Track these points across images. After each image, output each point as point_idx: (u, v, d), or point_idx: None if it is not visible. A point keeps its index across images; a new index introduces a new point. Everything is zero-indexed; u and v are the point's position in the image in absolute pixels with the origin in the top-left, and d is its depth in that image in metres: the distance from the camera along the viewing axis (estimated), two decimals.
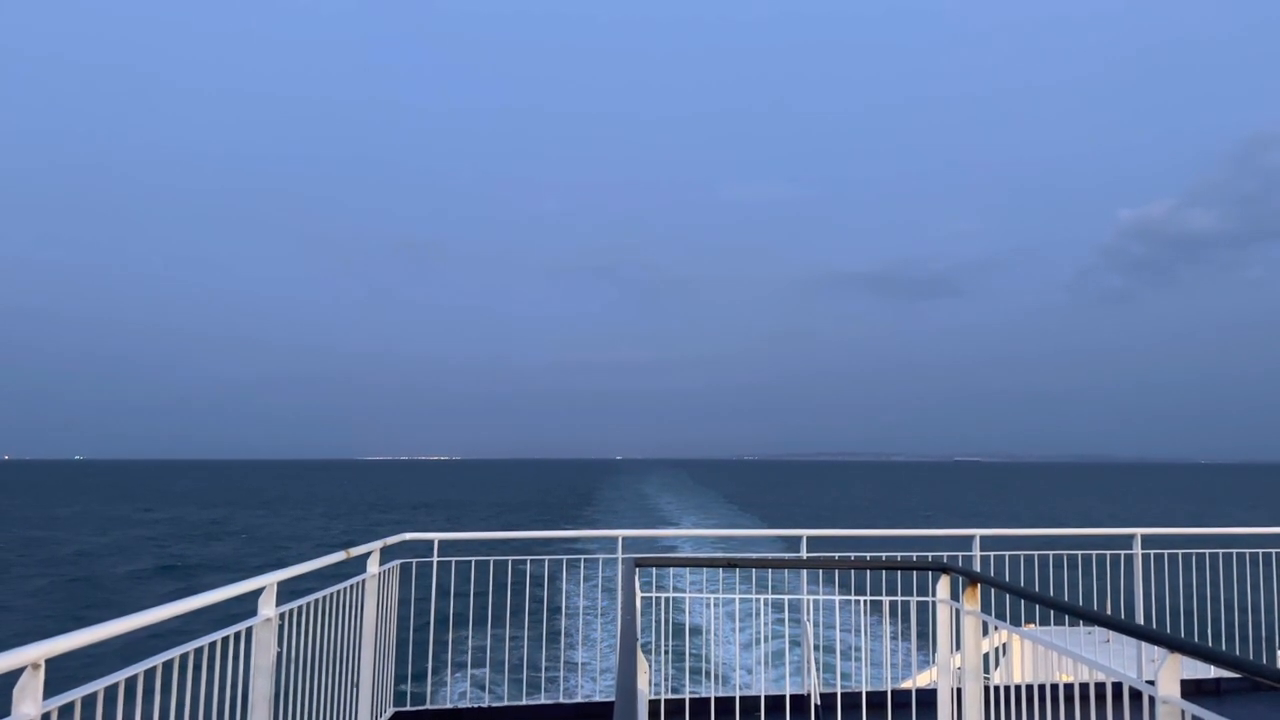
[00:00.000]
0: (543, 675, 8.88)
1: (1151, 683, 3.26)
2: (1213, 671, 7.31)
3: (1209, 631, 8.36)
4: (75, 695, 2.89)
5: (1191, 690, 7.02)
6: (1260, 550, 8.18)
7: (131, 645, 3.53)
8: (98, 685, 3.01)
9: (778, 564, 6.89)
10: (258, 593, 4.38)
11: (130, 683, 3.15)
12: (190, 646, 3.66)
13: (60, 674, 2.73)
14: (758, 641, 7.92)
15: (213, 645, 3.84)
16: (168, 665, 3.46)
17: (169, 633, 3.62)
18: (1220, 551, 8.20)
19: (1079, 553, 8.14)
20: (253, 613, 4.41)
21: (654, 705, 6.74)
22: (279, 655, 4.57)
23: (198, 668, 3.65)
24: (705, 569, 6.91)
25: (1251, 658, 3.04)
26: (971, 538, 7.73)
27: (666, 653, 7.10)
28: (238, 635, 4.12)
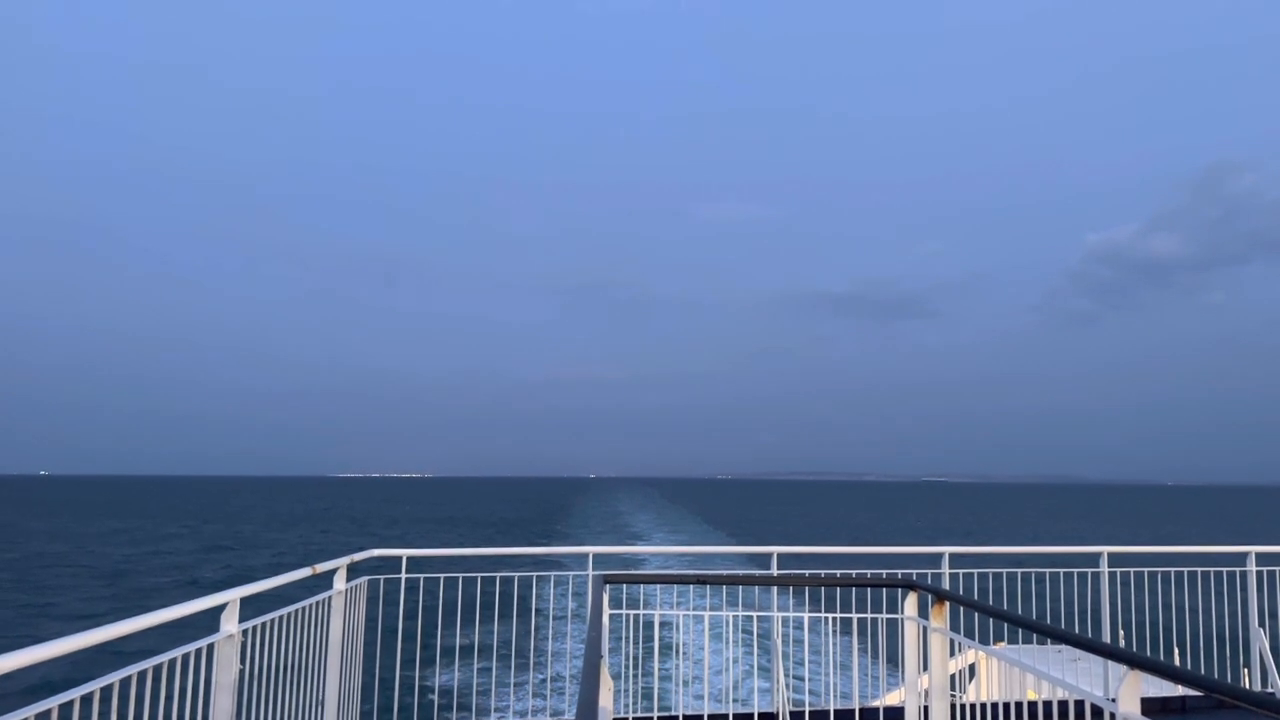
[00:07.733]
0: (511, 692, 8.79)
1: (1115, 700, 3.29)
2: (1179, 689, 7.38)
3: (1175, 649, 8.45)
4: (29, 712, 2.82)
5: (1157, 708, 7.08)
6: (1225, 569, 8.29)
7: (88, 662, 3.45)
8: (52, 702, 2.93)
9: (748, 581, 6.88)
10: (220, 609, 4.31)
11: (86, 700, 3.08)
12: (150, 663, 3.57)
13: (11, 691, 2.66)
14: (727, 660, 7.90)
15: (173, 662, 3.76)
16: (125, 682, 3.38)
17: (129, 649, 3.54)
18: (1185, 570, 8.30)
19: (1047, 570, 8.21)
20: (215, 629, 4.34)
21: None
22: (241, 672, 4.49)
23: (157, 685, 3.57)
24: (675, 586, 6.87)
25: (1216, 676, 3.07)
26: (940, 555, 7.77)
27: (634, 670, 7.06)
28: (199, 652, 4.04)
